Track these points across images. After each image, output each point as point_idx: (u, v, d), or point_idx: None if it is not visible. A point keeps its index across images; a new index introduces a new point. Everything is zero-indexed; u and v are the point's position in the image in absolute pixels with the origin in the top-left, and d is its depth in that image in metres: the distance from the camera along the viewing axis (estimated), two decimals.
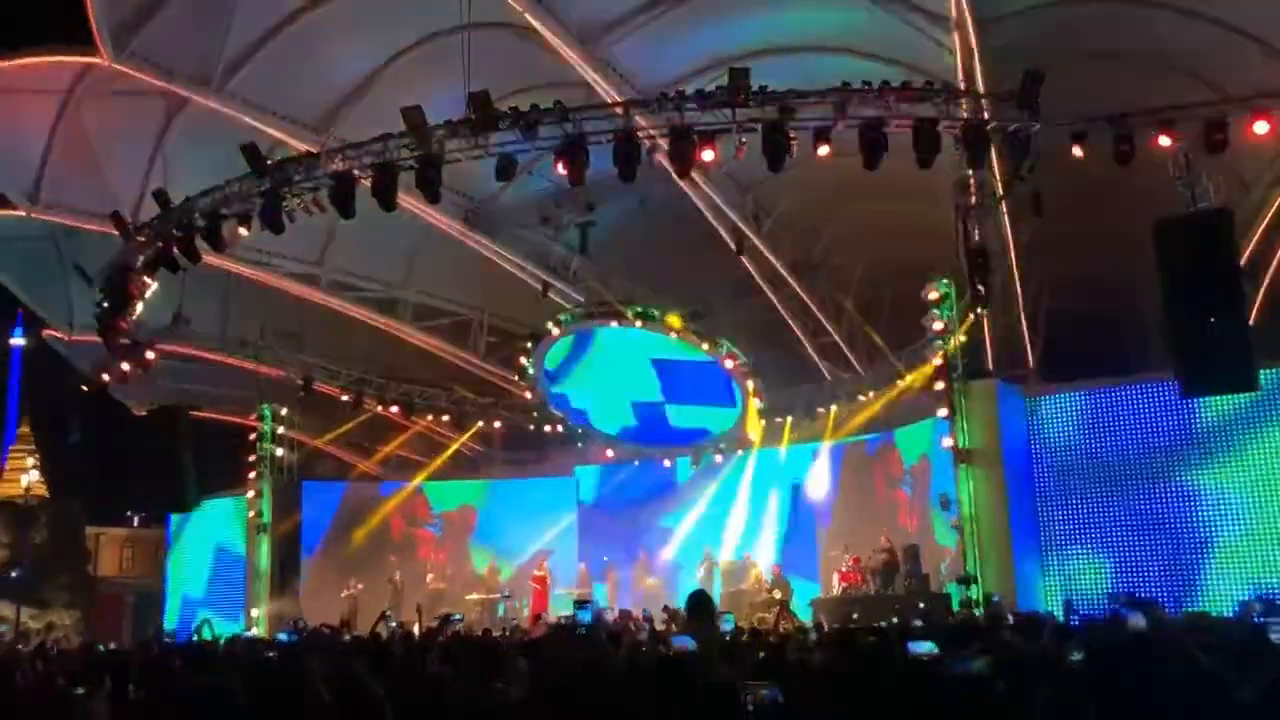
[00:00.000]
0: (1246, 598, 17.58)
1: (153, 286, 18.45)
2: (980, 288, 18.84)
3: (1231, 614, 16.57)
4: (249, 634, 22.63)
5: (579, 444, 27.90)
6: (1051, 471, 20.55)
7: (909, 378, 22.44)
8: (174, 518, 30.97)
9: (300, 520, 28.20)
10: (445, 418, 27.91)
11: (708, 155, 14.41)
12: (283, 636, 17.60)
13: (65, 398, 25.32)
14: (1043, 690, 5.11)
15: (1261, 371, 16.67)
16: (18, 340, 41.58)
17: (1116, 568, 19.59)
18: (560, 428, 27.30)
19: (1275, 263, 18.81)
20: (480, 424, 28.47)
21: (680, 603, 15.33)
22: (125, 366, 20.83)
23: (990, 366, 21.15)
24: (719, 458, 26.67)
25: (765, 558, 24.72)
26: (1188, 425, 19.46)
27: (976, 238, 18.04)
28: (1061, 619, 15.89)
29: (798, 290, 23.12)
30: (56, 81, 19.80)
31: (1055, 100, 13.69)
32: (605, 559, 26.94)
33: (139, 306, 19.03)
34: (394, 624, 17.54)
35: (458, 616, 17.17)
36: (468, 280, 25.27)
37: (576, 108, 14.80)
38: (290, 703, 4.64)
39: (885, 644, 7.63)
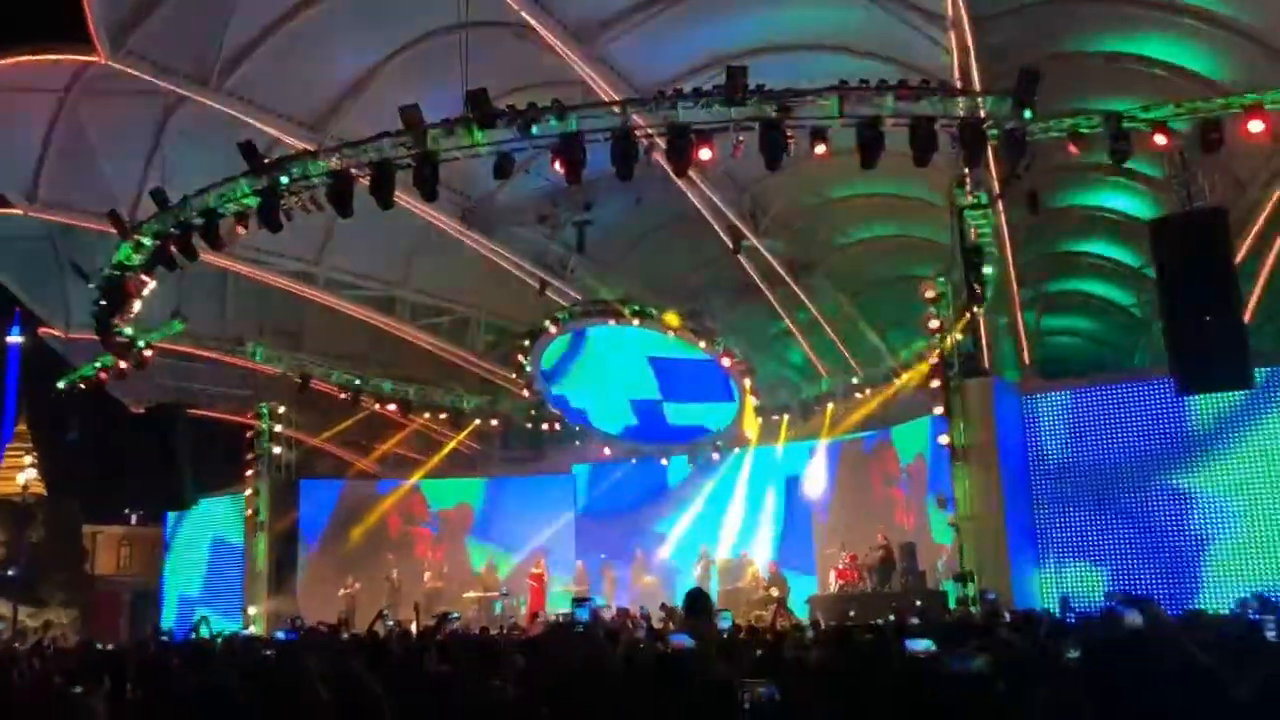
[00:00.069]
0: (1243, 595, 17.61)
1: (150, 285, 18.46)
2: (976, 286, 18.91)
3: (1228, 612, 16.58)
4: (246, 632, 22.62)
5: (576, 442, 27.91)
6: (1047, 469, 20.59)
7: (905, 376, 22.49)
8: (171, 516, 30.94)
9: (298, 518, 28.22)
10: (443, 416, 27.93)
11: (705, 154, 14.41)
12: (280, 635, 17.60)
13: (63, 397, 25.20)
14: (1041, 690, 5.12)
15: (1257, 369, 16.74)
16: (15, 338, 41.51)
17: (1112, 565, 19.61)
18: (558, 426, 27.32)
19: (1271, 261, 18.83)
20: (478, 422, 28.47)
21: (678, 601, 15.35)
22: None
23: (986, 364, 21.16)
24: (716, 455, 26.71)
25: (762, 555, 24.77)
26: (1184, 423, 19.49)
27: (973, 236, 18.09)
28: (1058, 616, 15.94)
29: (794, 288, 23.11)
30: (54, 80, 19.79)
31: (1051, 98, 13.73)
32: (603, 557, 26.93)
33: (137, 305, 19.06)
34: (391, 622, 17.55)
35: (455, 615, 17.18)
36: (465, 278, 25.26)
37: (574, 106, 14.82)
38: (288, 701, 4.65)
39: (882, 642, 7.65)
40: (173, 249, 16.95)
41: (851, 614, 18.59)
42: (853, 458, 24.87)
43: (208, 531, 29.88)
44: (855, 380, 24.04)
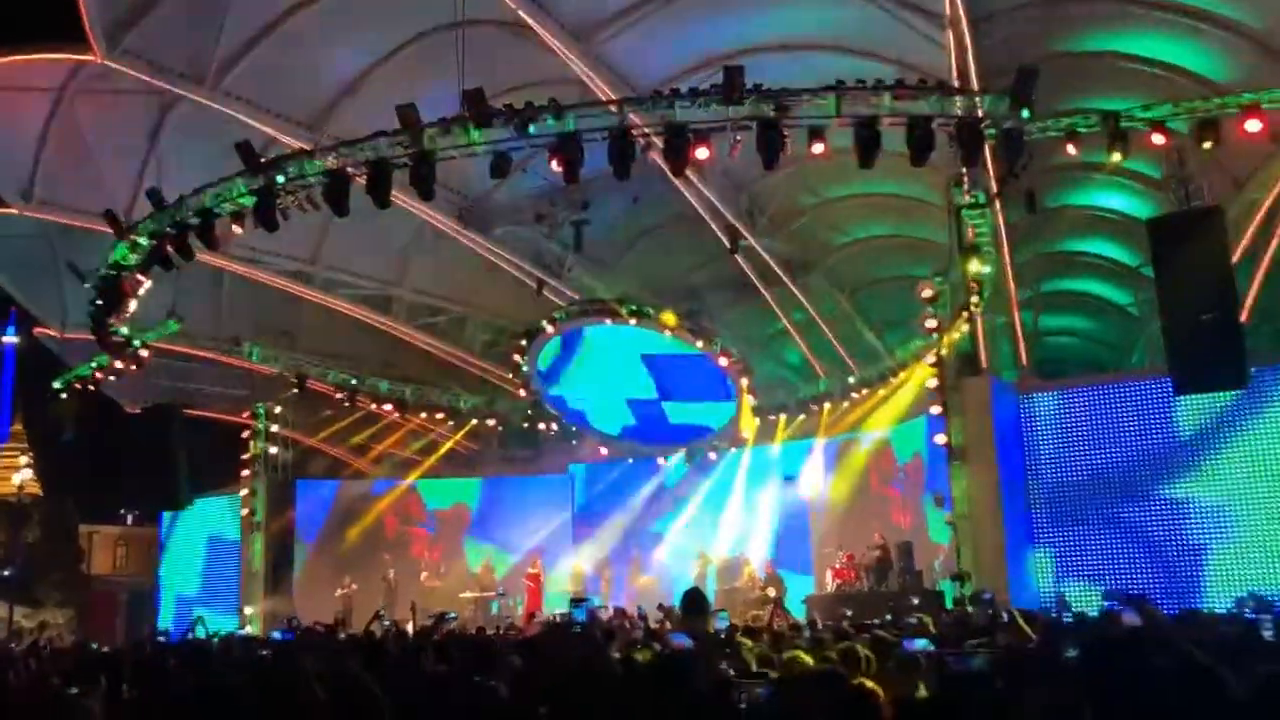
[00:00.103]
0: (1240, 595, 17.64)
1: (146, 284, 18.44)
2: (974, 285, 18.92)
3: (1226, 610, 16.61)
4: (243, 632, 22.60)
5: (573, 442, 27.91)
6: (1045, 468, 20.61)
7: (902, 375, 22.50)
8: (167, 516, 30.92)
9: (294, 518, 28.20)
10: (439, 416, 27.90)
11: (702, 153, 14.40)
12: (277, 635, 17.59)
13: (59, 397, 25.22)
14: (1040, 689, 5.11)
15: (1253, 369, 16.76)
16: (10, 338, 41.50)
17: (1110, 564, 19.64)
18: (555, 425, 27.30)
19: (1267, 261, 18.85)
20: (474, 422, 28.45)
21: (675, 600, 15.34)
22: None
23: (984, 364, 21.18)
24: (713, 455, 26.72)
25: (759, 555, 24.77)
26: (1181, 422, 19.52)
27: (970, 235, 18.09)
28: (1055, 615, 15.96)
29: (792, 288, 23.11)
30: (50, 79, 19.75)
31: (1049, 97, 13.74)
32: (600, 556, 26.94)
33: (133, 305, 19.03)
34: (388, 622, 17.53)
35: (452, 615, 17.16)
36: (462, 278, 25.24)
37: (571, 105, 14.81)
38: (284, 701, 4.63)
39: (880, 641, 7.65)
40: (169, 249, 16.92)
41: (848, 614, 18.57)
42: (849, 457, 24.87)
43: (204, 531, 29.86)
44: (852, 380, 24.05)
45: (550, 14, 16.92)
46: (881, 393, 23.51)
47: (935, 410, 20.27)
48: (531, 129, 14.41)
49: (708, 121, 14.10)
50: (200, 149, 18.59)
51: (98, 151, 20.91)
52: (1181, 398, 18.37)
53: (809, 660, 6.33)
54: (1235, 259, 17.11)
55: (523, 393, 26.42)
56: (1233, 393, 18.13)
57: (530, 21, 16.74)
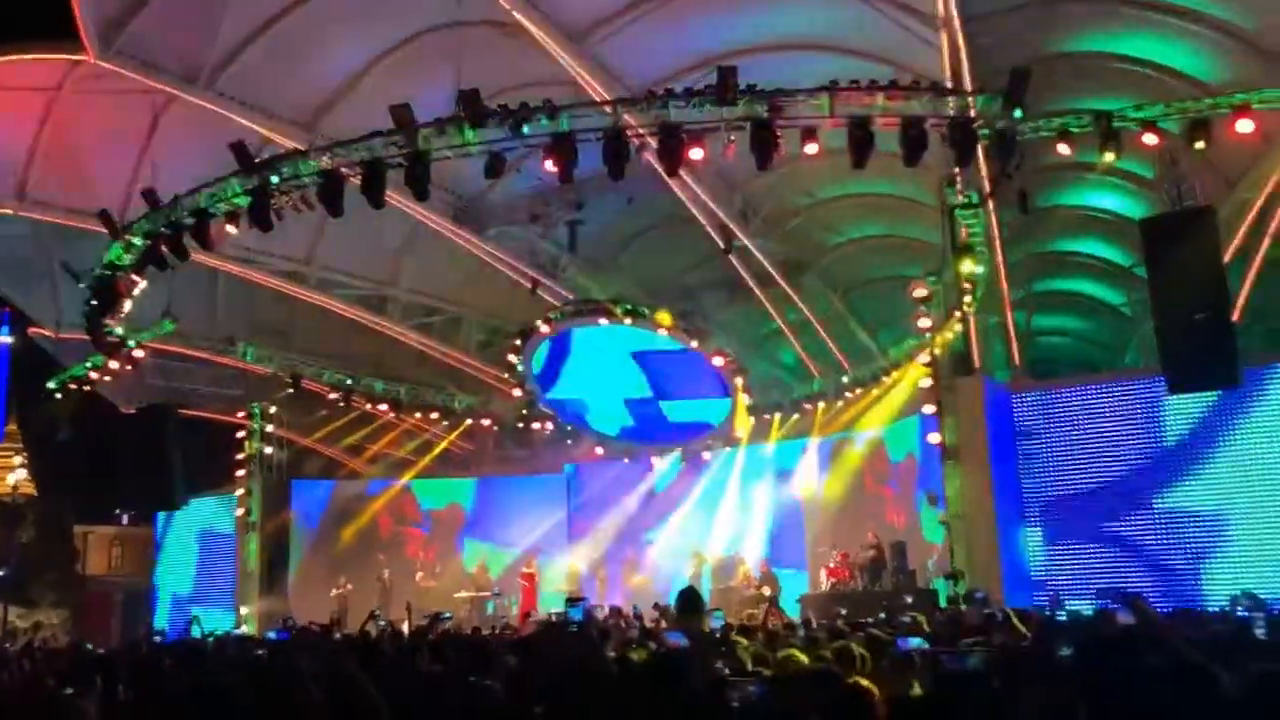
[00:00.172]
0: (1234, 593, 17.69)
1: (141, 284, 18.42)
2: (967, 285, 18.96)
3: (1219, 609, 16.67)
4: (238, 632, 22.58)
5: (568, 441, 27.92)
6: (1037, 468, 20.66)
7: (896, 375, 22.54)
8: (162, 516, 30.87)
9: (289, 518, 28.19)
10: (434, 415, 27.90)
11: (696, 153, 14.45)
12: (272, 635, 17.57)
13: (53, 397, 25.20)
14: (1036, 688, 5.14)
15: (1245, 368, 16.81)
16: (4, 339, 41.35)
17: (1103, 563, 19.69)
18: (549, 425, 27.29)
19: (1259, 260, 18.91)
20: (469, 421, 28.45)
21: (670, 599, 15.36)
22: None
23: (977, 364, 21.23)
24: (707, 455, 26.74)
25: (753, 554, 24.80)
26: (1173, 422, 19.57)
27: (963, 235, 18.14)
28: (1049, 613, 15.99)
29: (786, 288, 23.14)
30: (43, 79, 19.71)
31: (1041, 98, 13.78)
32: (595, 556, 26.95)
33: (127, 305, 19.02)
34: (383, 622, 17.52)
35: (447, 615, 17.16)
36: (457, 278, 25.24)
37: (565, 105, 14.82)
38: (280, 701, 4.64)
39: (875, 639, 7.67)
40: (164, 249, 16.92)
41: (842, 613, 18.61)
42: (844, 457, 24.90)
43: (199, 531, 29.83)
44: (846, 379, 24.08)
45: (545, 15, 16.93)
46: (875, 392, 23.54)
47: (928, 410, 20.31)
48: (526, 129, 14.44)
49: (701, 122, 14.15)
50: (195, 149, 18.55)
51: (92, 151, 20.89)
52: (1174, 397, 18.43)
53: (804, 659, 6.35)
54: (1227, 259, 17.16)
55: (517, 393, 26.41)
56: (1225, 392, 18.19)
57: (525, 22, 16.74)
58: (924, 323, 20.05)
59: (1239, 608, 15.96)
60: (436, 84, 16.22)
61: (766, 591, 21.65)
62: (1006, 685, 5.43)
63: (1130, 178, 20.08)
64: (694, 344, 23.34)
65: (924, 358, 20.44)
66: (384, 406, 27.15)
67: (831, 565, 22.35)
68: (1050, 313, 25.89)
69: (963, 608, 16.53)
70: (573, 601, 18.40)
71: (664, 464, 27.37)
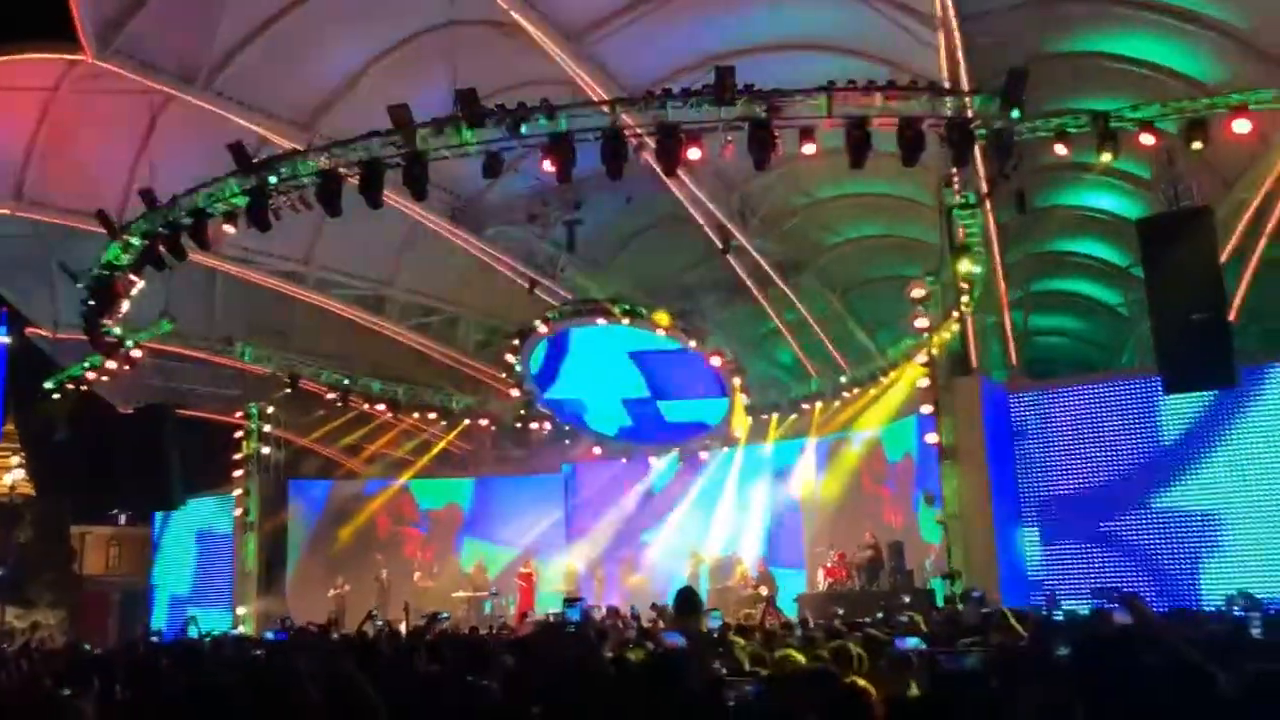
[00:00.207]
0: (1230, 593, 17.71)
1: (139, 285, 18.41)
2: (964, 285, 18.98)
3: (1215, 609, 16.69)
4: (236, 632, 22.58)
5: (566, 441, 27.93)
6: (1034, 468, 20.68)
7: (893, 375, 22.55)
8: (160, 516, 30.85)
9: (287, 519, 28.17)
10: (432, 415, 27.89)
11: (694, 153, 14.45)
12: (270, 635, 17.57)
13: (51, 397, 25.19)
14: (1034, 688, 5.15)
15: (1242, 368, 16.82)
16: (2, 339, 41.33)
17: (1100, 562, 19.71)
18: (548, 425, 27.30)
19: (1255, 260, 18.94)
20: (467, 421, 28.45)
21: (668, 599, 15.37)
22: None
23: (974, 364, 21.24)
24: (705, 455, 26.75)
25: (751, 554, 24.81)
26: (1169, 422, 19.60)
27: (961, 235, 18.15)
28: (1046, 613, 16.00)
29: (783, 288, 23.15)
30: (40, 79, 19.69)
31: (1039, 98, 13.78)
32: (592, 556, 26.95)
33: (125, 305, 19.00)
34: (381, 622, 17.51)
35: (444, 615, 17.16)
36: (455, 278, 25.23)
37: (563, 105, 14.83)
38: (278, 701, 4.65)
39: (872, 639, 7.68)
40: (161, 249, 16.92)
41: (840, 613, 18.61)
42: (841, 456, 24.92)
43: (196, 532, 29.81)
44: (844, 379, 24.09)
45: (542, 14, 16.93)
46: (873, 392, 23.56)
47: (926, 410, 20.34)
48: (524, 129, 14.44)
49: (699, 122, 14.16)
50: (193, 149, 18.54)
51: (90, 152, 20.87)
52: (1171, 397, 18.44)
53: (801, 659, 6.36)
54: (1224, 259, 17.20)
55: (515, 393, 26.42)
56: (1221, 392, 18.21)
57: (522, 22, 16.74)
58: (921, 323, 20.06)
59: (1235, 607, 15.96)
60: (434, 84, 16.21)
61: (764, 591, 21.64)
62: (1004, 685, 5.44)
63: (1127, 178, 20.10)
64: (692, 344, 23.35)
65: (921, 358, 20.46)
66: (382, 406, 27.13)
67: (829, 565, 22.37)
68: (1047, 313, 25.92)
69: (960, 607, 16.54)
70: (570, 601, 18.37)
71: (662, 464, 27.37)
